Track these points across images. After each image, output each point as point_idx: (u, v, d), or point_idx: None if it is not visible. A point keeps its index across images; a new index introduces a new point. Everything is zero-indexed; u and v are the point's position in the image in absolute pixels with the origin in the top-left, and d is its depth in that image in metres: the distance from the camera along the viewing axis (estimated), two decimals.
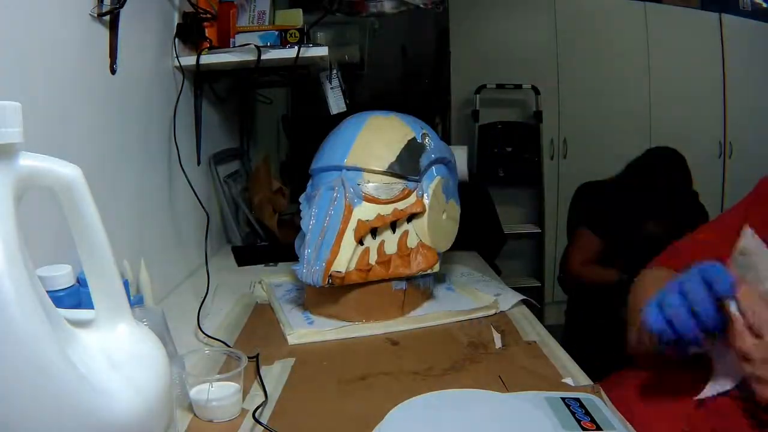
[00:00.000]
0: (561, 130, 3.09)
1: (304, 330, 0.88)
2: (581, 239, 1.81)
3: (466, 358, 0.78)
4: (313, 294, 0.94)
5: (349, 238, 0.88)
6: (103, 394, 0.38)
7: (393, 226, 0.93)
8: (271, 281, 1.13)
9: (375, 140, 0.94)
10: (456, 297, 1.04)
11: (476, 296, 1.02)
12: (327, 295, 0.91)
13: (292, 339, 0.85)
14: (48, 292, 0.61)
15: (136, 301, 0.78)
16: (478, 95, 2.95)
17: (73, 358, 0.37)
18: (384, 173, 0.92)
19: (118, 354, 0.43)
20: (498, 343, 0.83)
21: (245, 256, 1.35)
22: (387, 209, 0.91)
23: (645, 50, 3.09)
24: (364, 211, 0.90)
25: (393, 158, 0.92)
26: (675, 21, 3.14)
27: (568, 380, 0.71)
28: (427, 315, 0.94)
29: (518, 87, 2.97)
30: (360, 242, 0.90)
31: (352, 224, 0.89)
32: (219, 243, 1.48)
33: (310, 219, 0.91)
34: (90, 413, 0.37)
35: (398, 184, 0.92)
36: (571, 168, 3.08)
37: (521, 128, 3.05)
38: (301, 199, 0.99)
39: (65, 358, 0.37)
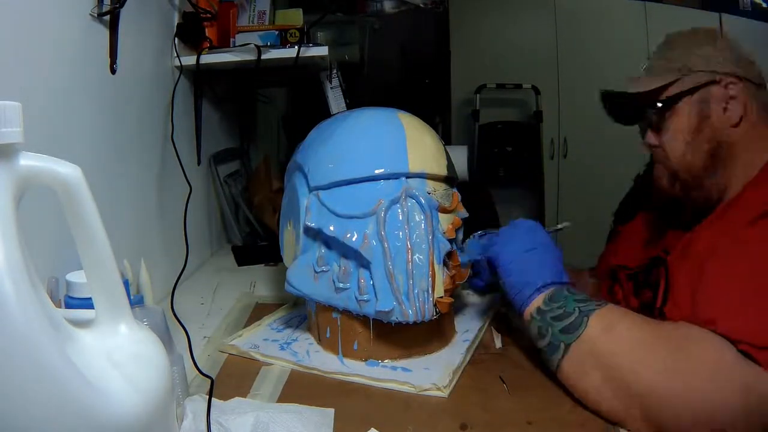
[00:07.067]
0: (561, 130, 3.09)
1: (436, 382, 0.70)
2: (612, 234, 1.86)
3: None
4: (380, 334, 0.77)
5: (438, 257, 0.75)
6: (103, 394, 0.38)
7: None
8: (225, 341, 0.82)
9: (422, 140, 0.81)
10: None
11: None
12: (388, 332, 0.75)
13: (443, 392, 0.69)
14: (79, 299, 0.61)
15: (136, 301, 0.78)
16: (478, 95, 2.95)
17: (73, 358, 0.37)
18: (444, 178, 0.81)
19: (118, 354, 0.43)
20: (498, 344, 0.83)
21: (245, 256, 1.35)
22: (451, 218, 0.80)
23: (645, 50, 3.09)
24: (441, 224, 0.78)
25: (446, 161, 0.82)
26: (675, 21, 3.11)
27: None
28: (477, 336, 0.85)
29: (518, 87, 2.97)
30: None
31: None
32: (219, 243, 1.48)
33: (380, 243, 0.73)
34: (90, 413, 0.37)
35: (450, 190, 0.83)
36: (571, 168, 3.07)
37: (521, 128, 3.05)
38: (328, 226, 0.76)
39: (65, 358, 0.37)
